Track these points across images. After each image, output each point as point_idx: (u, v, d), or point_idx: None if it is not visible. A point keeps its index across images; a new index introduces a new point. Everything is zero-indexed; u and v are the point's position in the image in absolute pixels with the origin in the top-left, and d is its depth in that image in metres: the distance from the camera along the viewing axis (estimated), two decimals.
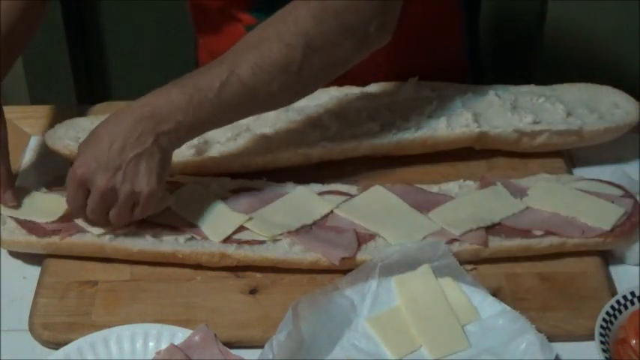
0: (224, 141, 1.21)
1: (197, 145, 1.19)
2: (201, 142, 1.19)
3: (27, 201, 1.13)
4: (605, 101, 1.27)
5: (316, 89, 1.17)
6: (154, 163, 1.03)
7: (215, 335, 0.99)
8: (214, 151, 1.20)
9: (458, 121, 1.22)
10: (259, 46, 1.07)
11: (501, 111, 1.24)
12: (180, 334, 1.00)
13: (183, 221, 1.11)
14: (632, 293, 1.02)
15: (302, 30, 1.06)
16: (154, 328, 1.00)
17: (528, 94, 1.28)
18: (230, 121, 1.11)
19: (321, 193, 1.15)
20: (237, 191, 1.16)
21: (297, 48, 1.06)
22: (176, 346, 0.98)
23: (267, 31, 1.08)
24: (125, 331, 1.00)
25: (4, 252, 1.13)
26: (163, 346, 0.99)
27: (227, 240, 1.09)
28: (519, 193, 1.15)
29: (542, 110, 1.25)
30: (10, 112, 1.31)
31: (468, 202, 1.14)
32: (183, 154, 1.18)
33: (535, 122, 1.22)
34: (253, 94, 1.07)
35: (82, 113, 1.31)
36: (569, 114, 1.24)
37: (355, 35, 1.09)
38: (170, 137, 1.04)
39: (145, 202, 1.04)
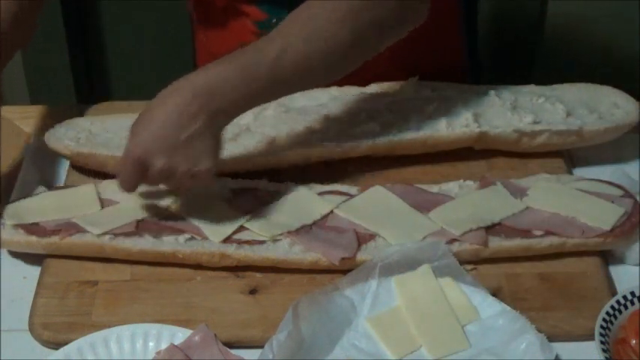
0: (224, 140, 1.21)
1: None
2: None
3: (28, 204, 1.13)
4: (605, 101, 1.27)
5: (366, 59, 1.15)
6: (208, 141, 1.05)
7: (215, 335, 0.99)
8: None
9: (458, 121, 1.22)
10: (308, 22, 1.07)
11: (501, 111, 1.24)
12: (180, 334, 1.00)
13: (183, 221, 1.11)
14: (632, 293, 1.02)
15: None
16: (154, 328, 1.00)
17: (528, 94, 1.28)
18: (281, 95, 1.13)
19: (321, 193, 1.15)
20: (237, 191, 1.16)
21: (344, 14, 1.07)
22: (176, 346, 0.98)
23: (313, 7, 1.08)
24: (125, 331, 1.00)
25: (4, 252, 1.13)
26: (163, 346, 0.99)
27: (227, 240, 1.09)
28: (519, 193, 1.15)
29: (542, 110, 1.25)
30: (10, 112, 1.31)
31: (468, 202, 1.14)
32: None
33: (535, 122, 1.22)
34: (308, 65, 1.07)
35: (82, 113, 1.31)
36: (569, 114, 1.24)
37: None
38: (222, 115, 1.05)
39: (203, 177, 1.06)
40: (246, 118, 1.21)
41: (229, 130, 1.21)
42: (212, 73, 1.05)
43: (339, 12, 1.07)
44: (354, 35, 1.08)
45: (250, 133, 1.22)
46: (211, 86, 1.04)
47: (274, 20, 1.24)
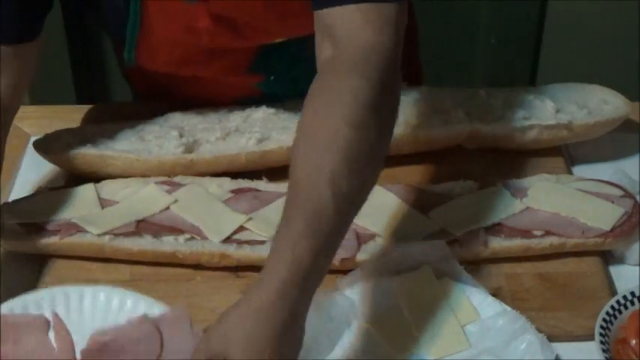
0: (214, 140, 1.20)
1: (186, 144, 1.18)
2: (190, 141, 1.19)
3: (28, 204, 1.13)
4: (594, 99, 1.28)
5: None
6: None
7: (190, 318, 0.96)
8: (203, 151, 1.19)
9: (449, 119, 1.22)
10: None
11: (492, 109, 1.25)
12: (156, 309, 0.98)
13: (183, 221, 1.11)
14: (632, 293, 1.02)
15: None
16: (131, 296, 1.00)
17: (519, 93, 1.28)
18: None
19: None
20: (237, 191, 1.16)
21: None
22: (147, 317, 0.97)
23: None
24: (100, 292, 1.00)
25: (4, 252, 1.13)
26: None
27: (227, 240, 1.09)
28: (519, 193, 1.15)
29: (532, 107, 1.25)
30: None
31: (468, 202, 1.14)
32: (173, 152, 1.18)
33: (525, 118, 1.22)
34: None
35: (82, 113, 1.31)
36: (558, 110, 1.24)
37: None
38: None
39: None
40: (235, 121, 1.21)
41: (218, 130, 1.20)
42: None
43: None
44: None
45: (239, 133, 1.21)
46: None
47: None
